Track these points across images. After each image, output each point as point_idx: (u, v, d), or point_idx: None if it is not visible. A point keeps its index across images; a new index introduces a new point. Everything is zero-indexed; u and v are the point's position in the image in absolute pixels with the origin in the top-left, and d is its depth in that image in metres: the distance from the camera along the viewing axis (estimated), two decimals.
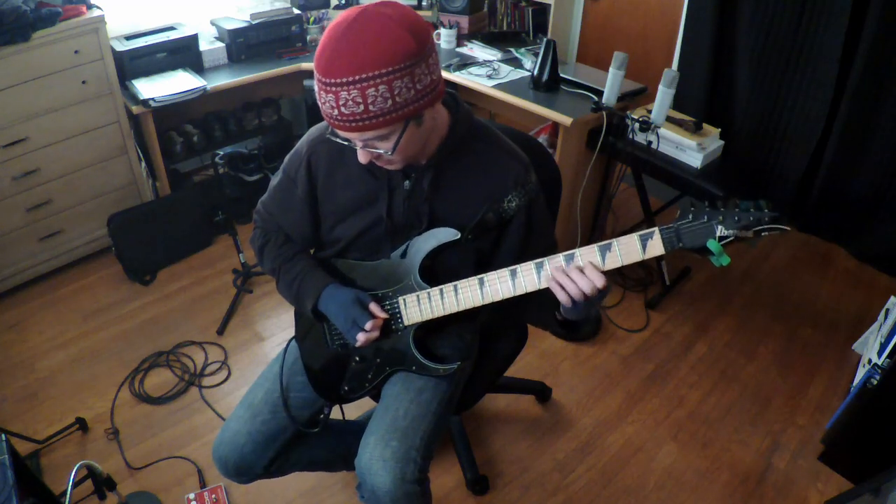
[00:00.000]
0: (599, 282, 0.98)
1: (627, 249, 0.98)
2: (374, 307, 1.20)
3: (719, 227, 0.93)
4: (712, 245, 0.93)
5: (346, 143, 1.06)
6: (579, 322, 1.15)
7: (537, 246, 1.19)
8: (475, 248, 1.20)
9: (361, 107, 0.95)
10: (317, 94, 0.99)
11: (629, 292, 2.62)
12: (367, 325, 1.18)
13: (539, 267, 1.04)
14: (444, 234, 1.17)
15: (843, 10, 2.43)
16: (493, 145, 1.19)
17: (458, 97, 1.17)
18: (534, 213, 1.20)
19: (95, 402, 2.06)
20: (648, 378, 2.23)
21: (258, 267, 2.63)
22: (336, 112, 0.97)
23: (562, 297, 1.02)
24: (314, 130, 1.24)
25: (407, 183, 1.17)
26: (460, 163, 1.16)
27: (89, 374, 2.16)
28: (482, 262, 1.21)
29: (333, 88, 0.94)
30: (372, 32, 0.92)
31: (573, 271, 1.00)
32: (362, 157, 1.06)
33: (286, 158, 1.27)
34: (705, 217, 0.94)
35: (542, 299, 1.10)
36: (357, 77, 0.92)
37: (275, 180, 1.30)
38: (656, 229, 0.96)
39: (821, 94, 2.64)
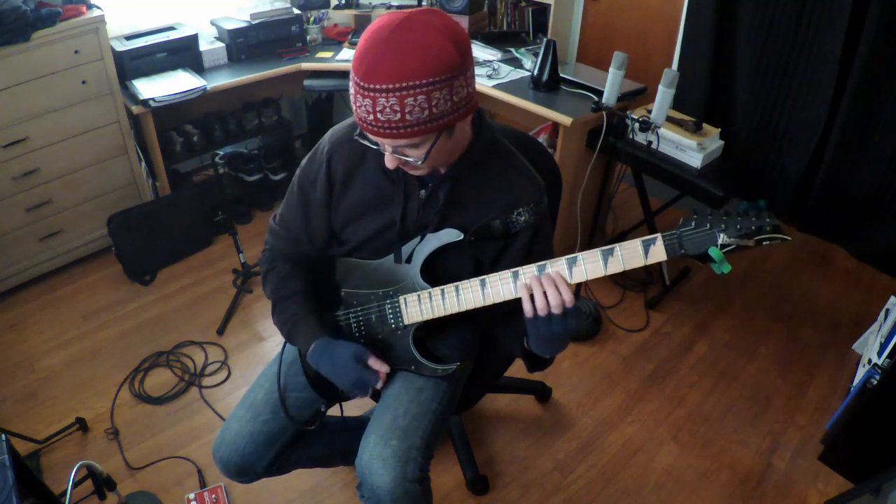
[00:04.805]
0: (566, 295, 0.99)
1: (630, 254, 0.98)
2: (374, 361, 1.21)
3: (721, 234, 0.93)
4: (714, 253, 0.93)
5: (374, 146, 1.05)
6: (540, 358, 1.17)
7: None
8: (474, 256, 1.21)
9: (398, 115, 0.94)
10: (352, 96, 0.98)
11: (629, 292, 2.62)
12: (379, 385, 1.20)
13: (541, 270, 1.04)
14: (447, 235, 1.17)
15: (842, 11, 2.43)
16: (511, 164, 1.19)
17: (484, 112, 1.16)
18: (538, 237, 1.20)
19: (95, 402, 2.06)
20: (648, 378, 2.23)
21: (258, 267, 2.63)
22: (371, 117, 0.96)
23: (527, 307, 1.02)
24: (336, 131, 1.22)
25: (423, 192, 1.17)
26: (477, 176, 1.16)
27: (89, 374, 2.16)
28: (480, 274, 1.21)
29: (371, 94, 0.94)
30: (417, 41, 0.91)
31: (545, 279, 1.01)
32: (390, 162, 1.05)
33: (302, 164, 1.26)
34: (708, 224, 0.94)
35: (515, 323, 1.11)
36: (398, 85, 0.92)
37: (290, 193, 1.28)
38: (659, 235, 0.97)
39: (821, 94, 2.63)
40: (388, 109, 0.94)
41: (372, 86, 0.93)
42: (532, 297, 1.02)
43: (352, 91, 0.98)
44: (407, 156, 1.03)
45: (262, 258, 1.35)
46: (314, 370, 1.35)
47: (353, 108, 0.99)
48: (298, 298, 1.28)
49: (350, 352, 1.20)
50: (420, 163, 1.03)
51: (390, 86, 0.92)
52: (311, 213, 1.26)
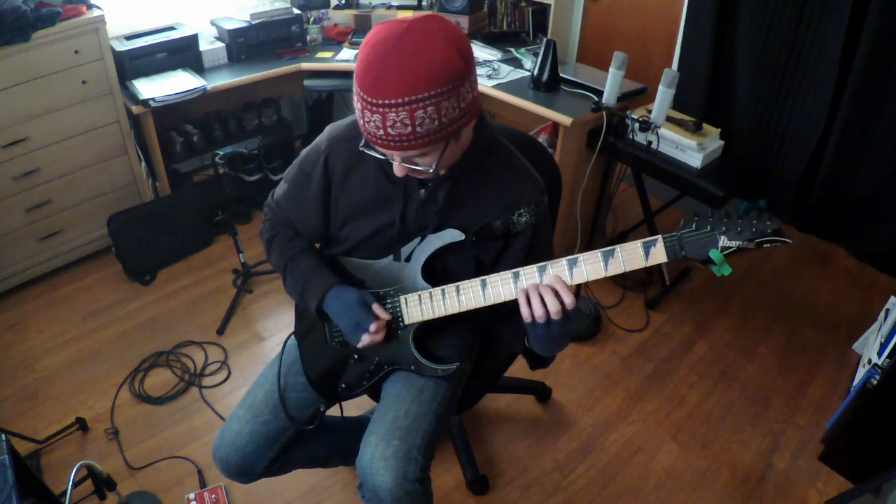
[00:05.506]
0: (567, 299, 0.99)
1: (630, 256, 0.98)
2: (377, 308, 1.20)
3: (722, 237, 0.93)
4: (714, 255, 0.93)
5: (381, 157, 1.06)
6: (542, 356, 1.19)
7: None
8: (475, 256, 1.21)
9: (409, 128, 0.94)
10: (358, 112, 0.98)
11: (629, 292, 2.62)
12: (372, 328, 1.18)
13: (542, 270, 1.04)
14: (449, 236, 1.17)
15: (842, 11, 2.43)
16: (511, 164, 1.20)
17: (484, 112, 1.16)
18: (538, 237, 1.20)
19: (95, 402, 2.06)
20: (648, 378, 2.23)
21: (258, 267, 2.63)
22: (381, 132, 0.96)
23: (524, 311, 1.02)
24: (335, 129, 1.23)
25: (423, 192, 1.17)
26: (477, 177, 1.17)
27: (89, 374, 2.16)
28: (480, 274, 1.21)
29: (381, 109, 0.93)
30: (422, 51, 0.91)
31: (543, 287, 1.01)
32: (399, 171, 1.05)
33: (303, 153, 1.27)
34: (708, 227, 0.94)
35: (516, 322, 1.12)
36: (408, 99, 0.91)
37: (289, 174, 1.29)
38: (660, 237, 0.97)
39: (821, 94, 2.64)
40: (398, 124, 0.94)
41: (380, 101, 0.93)
42: (530, 302, 1.02)
43: (358, 106, 0.97)
44: (416, 164, 1.03)
45: (264, 227, 1.36)
46: (315, 370, 1.35)
47: (361, 122, 0.99)
48: (307, 256, 1.29)
49: (358, 294, 1.20)
50: (431, 170, 1.03)
51: (399, 100, 0.92)
52: (303, 201, 1.27)
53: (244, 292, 2.54)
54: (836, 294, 2.66)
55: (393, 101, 0.92)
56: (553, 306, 1.00)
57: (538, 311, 1.01)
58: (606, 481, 1.87)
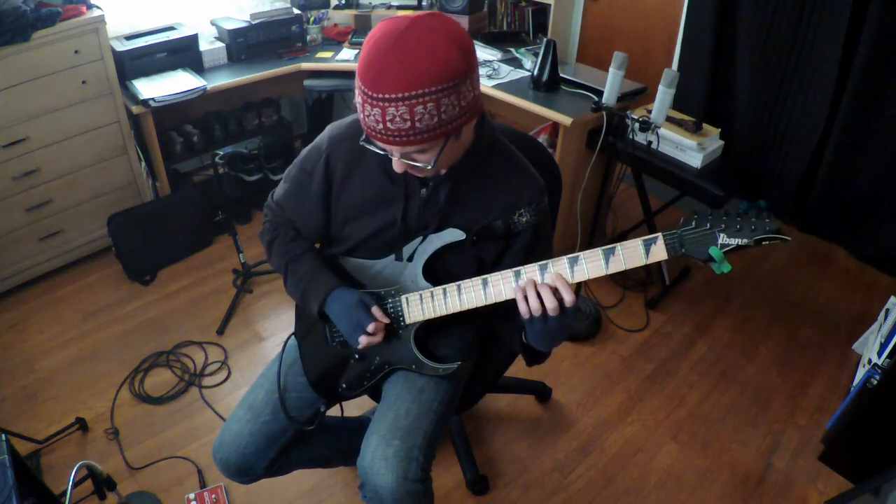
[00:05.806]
0: (567, 296, 1.00)
1: (631, 254, 0.99)
2: (376, 310, 1.20)
3: (721, 235, 0.94)
4: (714, 252, 0.94)
5: (381, 152, 1.06)
6: (539, 351, 1.19)
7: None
8: (477, 255, 1.21)
9: (408, 123, 0.95)
10: (359, 105, 0.99)
11: (629, 292, 2.62)
12: (370, 328, 1.18)
13: (543, 269, 1.04)
14: (450, 235, 1.18)
15: (842, 11, 2.43)
16: (512, 163, 1.20)
17: (485, 112, 1.16)
18: (539, 236, 1.21)
19: (95, 402, 2.06)
20: (648, 378, 2.23)
21: (258, 267, 2.63)
22: (381, 126, 0.97)
23: (522, 307, 1.04)
24: (336, 128, 1.23)
25: (424, 191, 1.17)
26: (478, 176, 1.17)
27: (89, 374, 2.16)
28: (482, 274, 1.22)
29: (381, 103, 0.94)
30: (424, 48, 0.92)
31: (540, 285, 1.02)
32: (398, 167, 1.06)
33: (303, 152, 1.27)
34: (708, 224, 0.95)
35: (514, 319, 1.12)
36: (407, 94, 0.92)
37: (290, 173, 1.30)
38: (660, 235, 0.97)
39: (820, 94, 2.64)
40: (398, 118, 0.94)
41: (381, 95, 0.93)
42: (527, 298, 1.02)
43: (359, 100, 0.98)
44: (415, 161, 1.04)
45: (264, 229, 1.36)
46: (315, 371, 1.35)
47: (361, 117, 1.00)
48: (309, 257, 1.29)
49: (358, 295, 1.21)
50: (429, 167, 1.04)
51: (399, 95, 0.92)
52: (303, 200, 1.27)
53: (244, 292, 2.54)
54: (836, 294, 2.66)
55: (393, 96, 0.93)
56: (550, 303, 1.00)
57: (534, 305, 1.01)
58: (606, 481, 1.88)
